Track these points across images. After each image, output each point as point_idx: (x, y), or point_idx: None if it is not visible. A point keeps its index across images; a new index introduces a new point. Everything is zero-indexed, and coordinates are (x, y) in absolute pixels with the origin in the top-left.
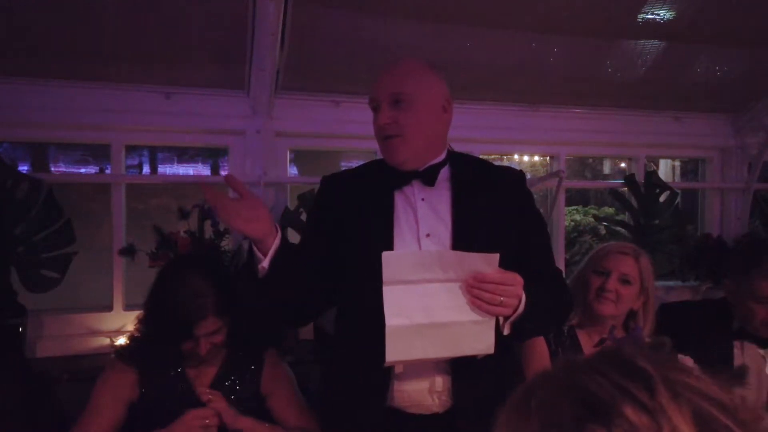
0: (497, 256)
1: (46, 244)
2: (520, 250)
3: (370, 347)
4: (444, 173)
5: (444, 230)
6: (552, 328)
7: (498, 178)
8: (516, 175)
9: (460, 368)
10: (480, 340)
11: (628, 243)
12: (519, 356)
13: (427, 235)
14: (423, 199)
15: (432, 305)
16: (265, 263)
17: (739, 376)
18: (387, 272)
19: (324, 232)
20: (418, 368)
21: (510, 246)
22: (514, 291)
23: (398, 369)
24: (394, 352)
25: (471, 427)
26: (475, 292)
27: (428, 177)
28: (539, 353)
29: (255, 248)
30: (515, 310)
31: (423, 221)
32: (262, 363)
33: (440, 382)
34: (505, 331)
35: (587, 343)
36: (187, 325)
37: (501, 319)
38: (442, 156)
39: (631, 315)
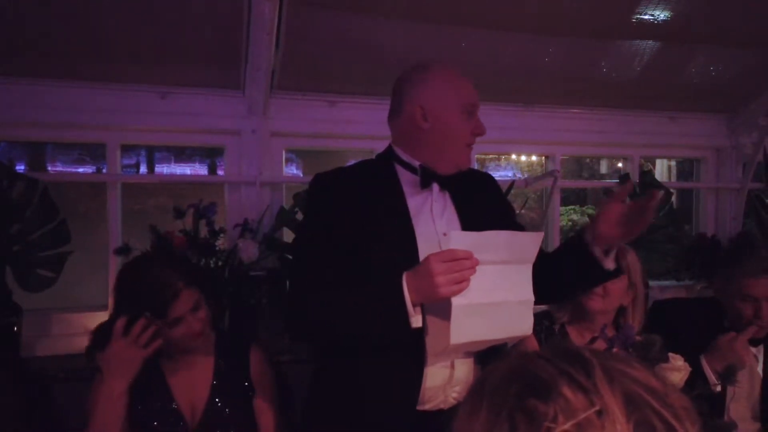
0: (542, 234)
1: (42, 244)
2: None
3: (400, 347)
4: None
5: (456, 229)
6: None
7: (477, 179)
8: (489, 176)
9: (484, 359)
10: (523, 321)
11: None
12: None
13: (444, 234)
14: (435, 201)
15: (486, 285)
16: (420, 323)
17: (729, 374)
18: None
19: (338, 233)
20: (439, 365)
21: None
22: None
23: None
24: (458, 333)
25: None
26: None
27: (448, 182)
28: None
29: (411, 304)
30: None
31: (438, 221)
32: (248, 358)
33: (459, 375)
34: (612, 266)
35: (579, 341)
36: (163, 307)
37: (602, 255)
38: None
39: (621, 311)
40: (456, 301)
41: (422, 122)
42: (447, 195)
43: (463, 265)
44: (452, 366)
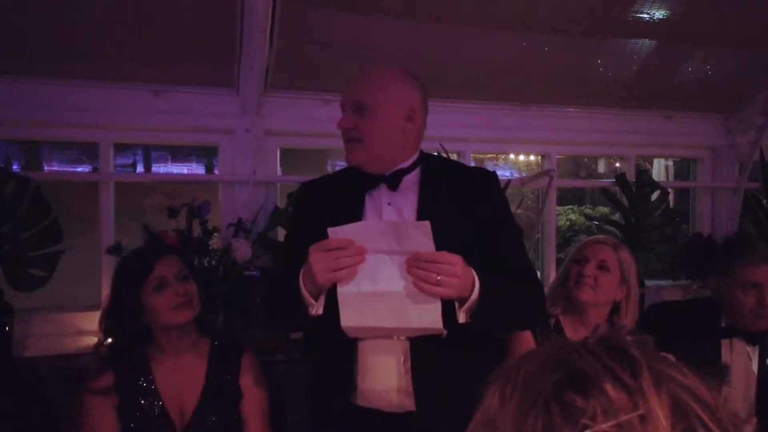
0: (428, 223)
1: (34, 243)
2: (488, 249)
3: (339, 345)
4: (412, 177)
5: None
6: (519, 323)
7: (467, 180)
8: (486, 175)
9: (420, 366)
10: (426, 314)
11: (609, 236)
12: (506, 351)
13: None
14: (389, 204)
15: (378, 275)
16: (320, 310)
17: (721, 373)
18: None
19: (303, 240)
20: (383, 368)
21: (474, 246)
22: (451, 270)
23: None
24: (348, 318)
25: (438, 424)
26: (413, 271)
27: (393, 182)
28: (526, 348)
29: (306, 293)
30: (467, 295)
31: None
32: (240, 365)
33: (405, 380)
34: (460, 319)
35: (572, 336)
36: (149, 262)
37: (456, 306)
38: (410, 161)
39: (615, 309)
40: (341, 288)
41: None
42: (413, 197)
43: (339, 254)
44: (401, 372)
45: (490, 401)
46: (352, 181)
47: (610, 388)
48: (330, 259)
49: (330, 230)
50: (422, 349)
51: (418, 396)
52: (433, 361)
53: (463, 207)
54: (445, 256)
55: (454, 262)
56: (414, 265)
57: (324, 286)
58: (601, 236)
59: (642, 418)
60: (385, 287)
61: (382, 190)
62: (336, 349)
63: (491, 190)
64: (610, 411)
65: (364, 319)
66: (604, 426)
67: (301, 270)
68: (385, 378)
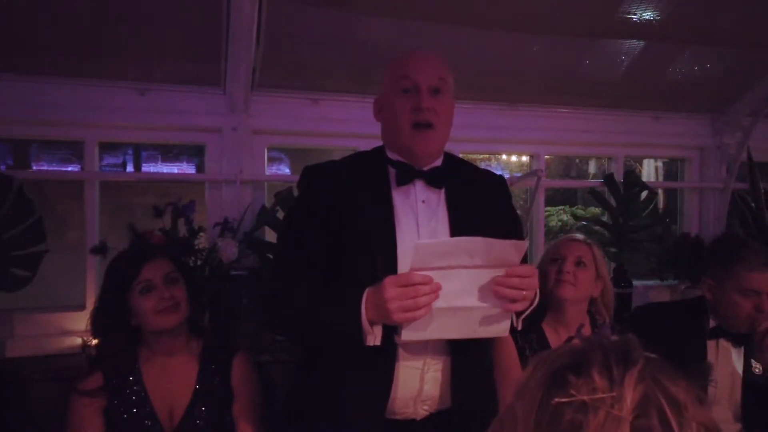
0: (526, 243)
1: (16, 242)
2: None
3: (371, 356)
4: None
5: (443, 235)
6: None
7: (485, 181)
8: (500, 178)
9: (457, 375)
10: (495, 325)
11: (580, 233)
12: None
13: None
14: (423, 201)
15: (452, 290)
16: (379, 340)
17: (705, 373)
18: (416, 260)
19: (322, 230)
20: (409, 378)
21: None
22: (534, 283)
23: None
24: (410, 333)
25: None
26: (502, 290)
27: (434, 178)
28: (507, 351)
29: (368, 323)
30: (531, 304)
31: (423, 225)
32: (231, 366)
33: (428, 389)
34: (519, 327)
35: (555, 341)
36: (137, 264)
37: (514, 316)
38: (442, 157)
39: (592, 304)
40: None
41: (378, 115)
42: (442, 196)
43: (418, 291)
44: (422, 380)
45: (528, 369)
46: (377, 172)
47: (596, 375)
48: (409, 297)
49: (417, 244)
50: (461, 350)
51: (455, 396)
52: (470, 360)
53: (487, 208)
54: (528, 269)
55: (533, 273)
56: (503, 283)
57: (398, 323)
58: (574, 234)
59: (613, 398)
60: (461, 303)
61: (418, 186)
62: (367, 360)
63: (505, 195)
64: (591, 389)
65: (428, 333)
66: (584, 397)
67: (367, 297)
68: (410, 387)
